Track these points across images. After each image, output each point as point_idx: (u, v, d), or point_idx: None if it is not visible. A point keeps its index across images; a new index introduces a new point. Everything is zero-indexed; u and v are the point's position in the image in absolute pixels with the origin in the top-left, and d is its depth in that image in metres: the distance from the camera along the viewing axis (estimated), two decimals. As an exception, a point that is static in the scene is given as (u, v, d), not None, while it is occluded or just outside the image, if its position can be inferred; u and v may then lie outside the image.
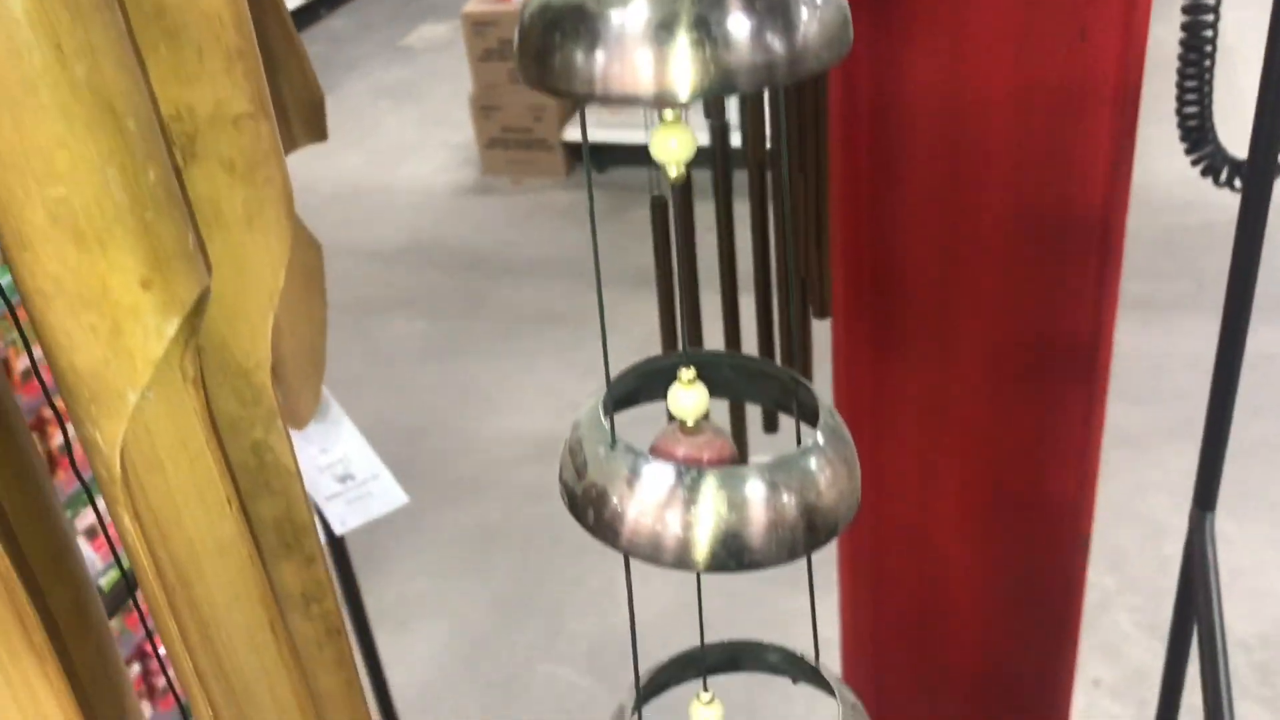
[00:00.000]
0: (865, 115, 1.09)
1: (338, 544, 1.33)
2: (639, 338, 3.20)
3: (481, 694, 2.35)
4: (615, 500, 0.37)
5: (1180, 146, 1.04)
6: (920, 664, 1.42)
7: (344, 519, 0.99)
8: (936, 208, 1.15)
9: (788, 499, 0.36)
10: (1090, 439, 1.19)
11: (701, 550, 0.36)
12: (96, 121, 0.30)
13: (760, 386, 0.42)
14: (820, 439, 0.37)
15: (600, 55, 0.31)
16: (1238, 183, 0.88)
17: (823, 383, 0.90)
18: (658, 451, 0.41)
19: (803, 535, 0.36)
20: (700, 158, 0.41)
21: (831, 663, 1.72)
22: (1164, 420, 2.76)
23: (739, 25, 0.30)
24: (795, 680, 0.52)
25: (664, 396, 0.41)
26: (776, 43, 0.31)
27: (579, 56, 0.31)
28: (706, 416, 0.41)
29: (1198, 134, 0.86)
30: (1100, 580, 2.43)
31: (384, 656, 2.39)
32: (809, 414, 0.39)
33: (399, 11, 5.85)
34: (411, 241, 3.86)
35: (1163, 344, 2.97)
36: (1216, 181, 0.89)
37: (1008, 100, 1.04)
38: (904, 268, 1.20)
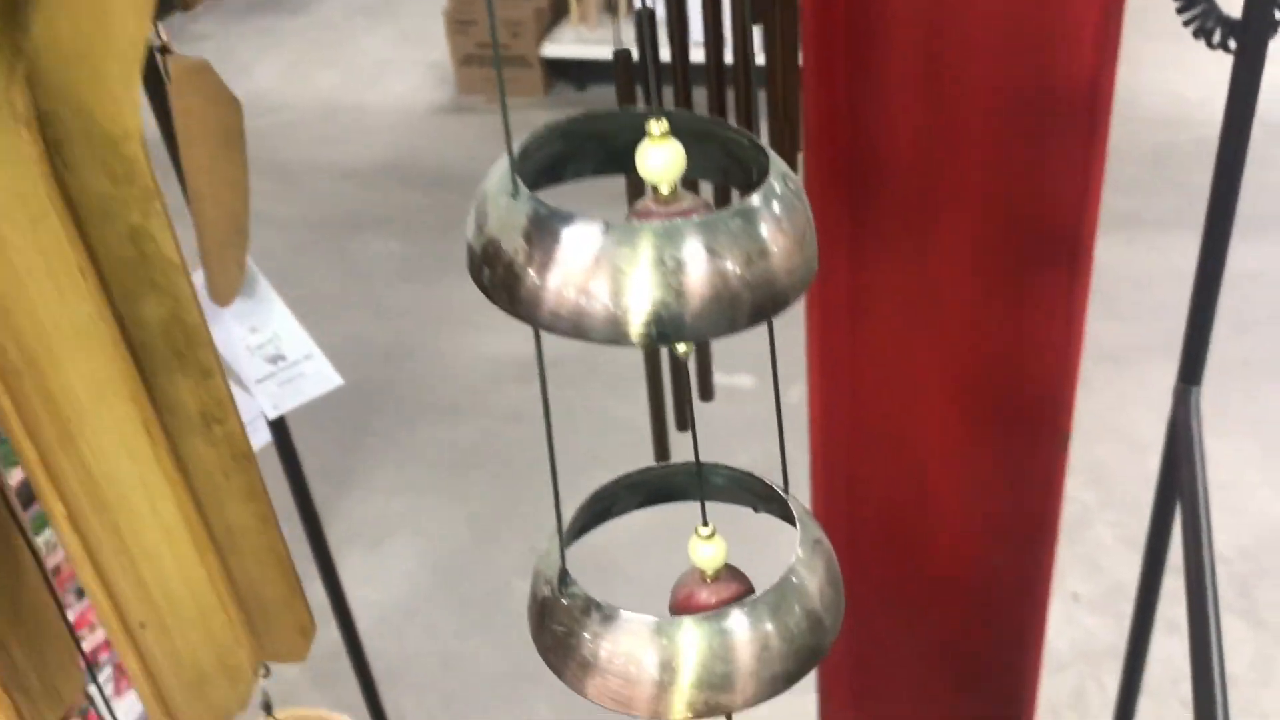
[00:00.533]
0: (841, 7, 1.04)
1: (292, 459, 1.28)
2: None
3: (458, 611, 2.33)
4: (533, 268, 0.32)
5: (1170, 63, 0.99)
6: (894, 568, 1.39)
7: (276, 402, 0.95)
8: (916, 89, 1.10)
9: (730, 265, 0.31)
10: (1073, 332, 1.15)
11: (636, 322, 0.31)
12: None
13: (704, 151, 0.37)
14: (761, 199, 0.33)
15: None
16: (1232, 44, 0.83)
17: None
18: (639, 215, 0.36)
19: (746, 303, 0.31)
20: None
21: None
22: (1148, 336, 2.73)
23: None
24: (756, 509, 0.48)
25: (601, 168, 0.35)
26: None
27: None
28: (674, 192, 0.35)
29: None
30: (1080, 495, 2.41)
31: (358, 574, 2.36)
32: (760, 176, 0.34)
33: (375, -71, 5.70)
34: (387, 161, 3.78)
35: (1148, 261, 2.94)
36: (1209, 43, 0.84)
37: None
38: (881, 154, 1.15)
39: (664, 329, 0.31)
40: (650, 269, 0.30)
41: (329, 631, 2.26)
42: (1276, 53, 3.55)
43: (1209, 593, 0.64)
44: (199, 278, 0.89)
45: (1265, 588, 2.19)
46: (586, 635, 0.37)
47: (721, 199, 0.73)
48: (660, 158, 0.33)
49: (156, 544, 0.39)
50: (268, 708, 1.26)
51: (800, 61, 1.04)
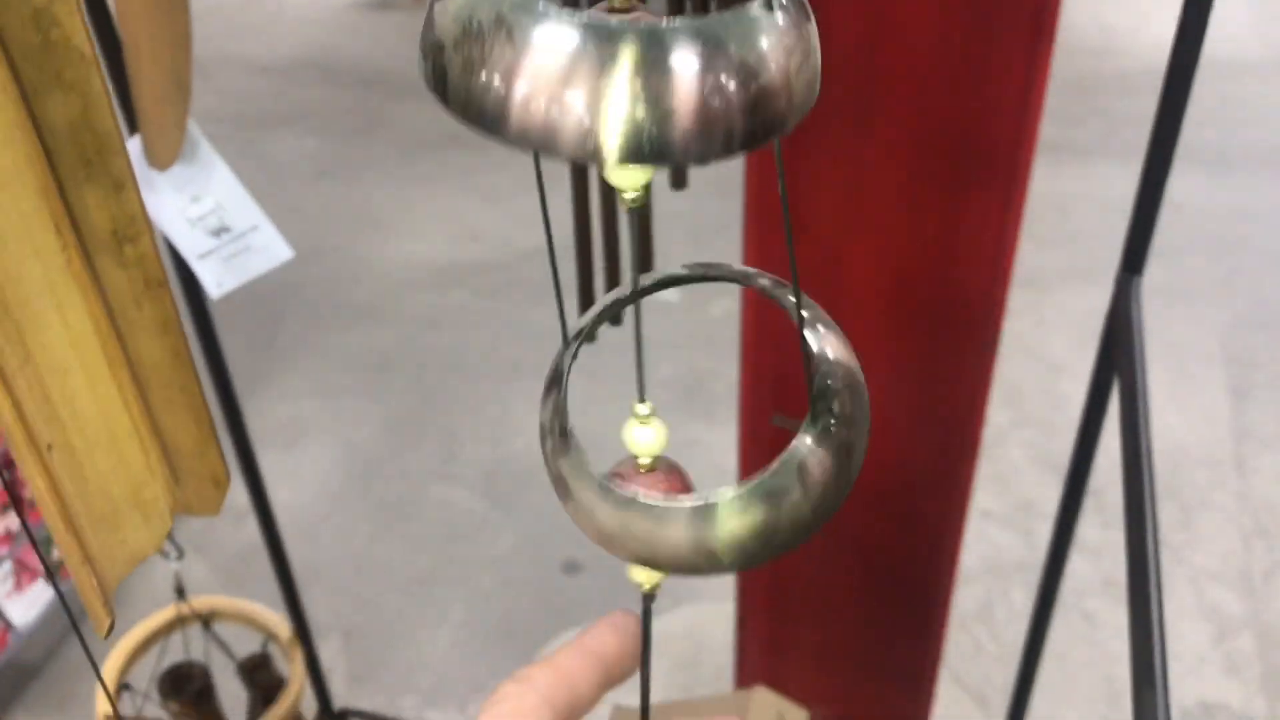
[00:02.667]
0: None
1: (214, 348, 1.23)
2: (544, 163, 3.09)
3: (371, 514, 2.29)
4: (498, 74, 0.28)
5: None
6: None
7: (220, 280, 0.88)
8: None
9: (726, 77, 0.27)
10: (1007, 234, 1.14)
11: (612, 137, 0.27)
12: None
13: None
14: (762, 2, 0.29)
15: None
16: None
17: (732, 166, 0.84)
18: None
19: (742, 123, 0.28)
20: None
21: (730, 457, 1.68)
22: (1068, 262, 2.76)
23: None
24: (773, 419, 0.45)
25: None
26: None
27: None
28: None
29: None
30: (995, 416, 2.45)
31: (271, 476, 2.31)
32: None
33: None
34: (304, 56, 3.65)
35: (1071, 187, 2.96)
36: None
37: None
38: (824, 60, 1.12)
39: (646, 147, 0.27)
40: (631, 78, 0.26)
41: (241, 531, 2.22)
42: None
43: (1145, 481, 0.64)
44: (135, 144, 0.82)
45: (1168, 507, 2.25)
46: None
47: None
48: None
49: (65, 357, 0.35)
50: (180, 593, 1.23)
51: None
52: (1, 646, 1.95)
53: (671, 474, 0.38)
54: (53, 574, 2.04)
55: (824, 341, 0.39)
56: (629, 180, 0.30)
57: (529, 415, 2.42)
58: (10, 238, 0.30)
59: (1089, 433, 0.91)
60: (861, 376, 0.38)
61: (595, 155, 0.27)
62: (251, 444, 1.36)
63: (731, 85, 0.27)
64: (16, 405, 0.33)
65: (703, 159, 0.28)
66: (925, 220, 1.17)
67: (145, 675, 1.25)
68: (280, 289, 2.75)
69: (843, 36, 1.08)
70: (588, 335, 0.40)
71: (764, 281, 0.40)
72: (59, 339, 0.33)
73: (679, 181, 1.10)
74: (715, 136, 0.28)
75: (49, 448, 0.34)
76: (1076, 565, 2.18)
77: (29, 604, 1.99)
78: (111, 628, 0.41)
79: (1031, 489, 2.31)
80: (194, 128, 0.86)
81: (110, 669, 1.22)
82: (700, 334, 2.60)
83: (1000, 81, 1.08)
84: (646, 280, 0.40)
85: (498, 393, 2.52)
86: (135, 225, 0.37)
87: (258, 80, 3.51)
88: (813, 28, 0.30)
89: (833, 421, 0.34)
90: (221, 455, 0.43)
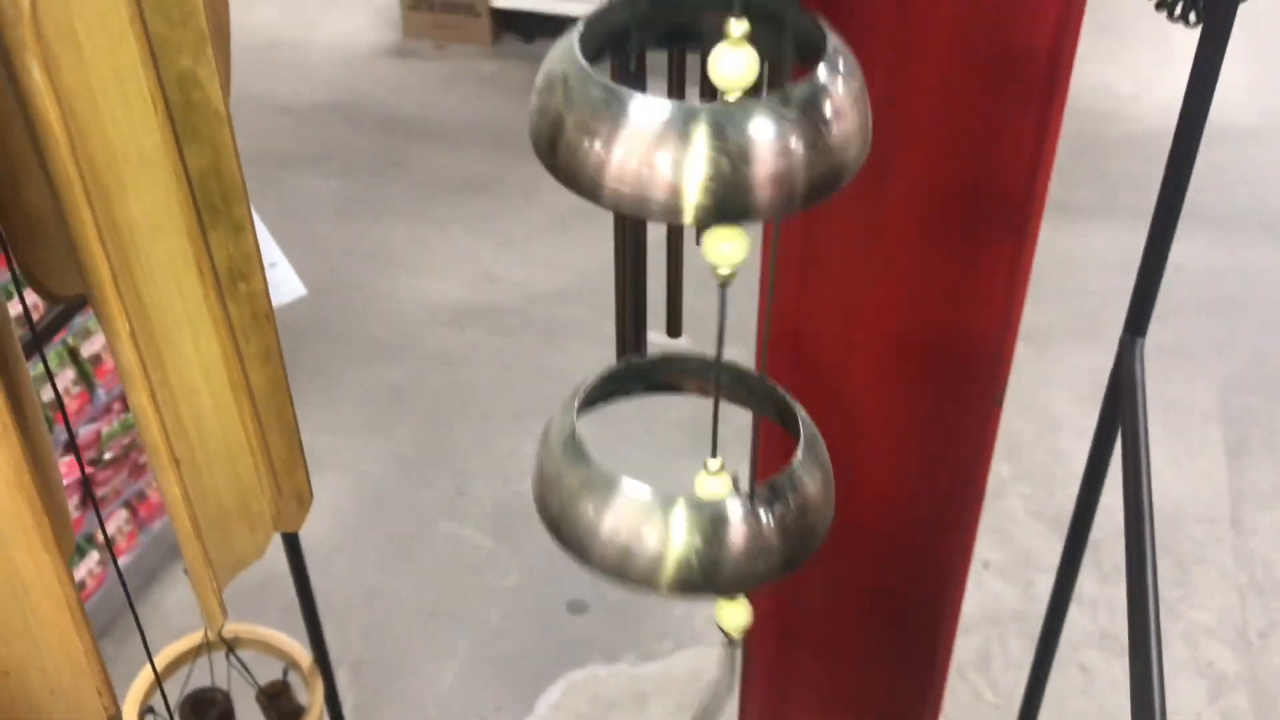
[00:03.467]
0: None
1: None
2: (559, 211, 3.16)
3: (381, 548, 2.33)
4: (599, 142, 0.32)
5: (1105, 58, 1.02)
6: (826, 516, 1.43)
7: None
8: (883, 37, 1.13)
9: (796, 144, 0.32)
10: (1015, 290, 1.19)
11: (691, 199, 0.31)
12: None
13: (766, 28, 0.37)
14: (825, 75, 0.33)
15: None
16: (1193, 18, 0.87)
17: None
18: None
19: (802, 189, 0.32)
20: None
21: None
22: (1070, 319, 2.82)
23: None
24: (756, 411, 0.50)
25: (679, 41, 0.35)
26: None
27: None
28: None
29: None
30: (996, 468, 2.49)
31: (283, 509, 2.35)
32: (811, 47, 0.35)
33: None
34: (328, 99, 3.73)
35: (1074, 246, 3.02)
36: (1170, 15, 0.88)
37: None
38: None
39: (723, 208, 0.31)
40: (708, 146, 0.31)
41: (266, 559, 2.26)
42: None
43: (1147, 536, 0.69)
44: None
45: (1165, 563, 2.28)
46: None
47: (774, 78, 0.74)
48: (735, 64, 0.33)
49: (196, 381, 0.39)
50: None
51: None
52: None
53: None
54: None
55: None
56: (724, 258, 0.34)
57: (539, 455, 2.46)
58: (159, 274, 0.35)
59: (1091, 487, 0.95)
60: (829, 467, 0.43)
61: (677, 216, 0.32)
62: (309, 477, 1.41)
63: (799, 151, 0.32)
64: (161, 425, 0.37)
65: (774, 214, 0.32)
66: (937, 274, 1.22)
67: (171, 698, 1.29)
68: (299, 325, 2.81)
69: (868, 84, 1.13)
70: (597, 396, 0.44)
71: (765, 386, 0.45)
72: (192, 365, 0.38)
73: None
74: (782, 196, 0.32)
75: (178, 462, 0.39)
76: (1074, 617, 2.21)
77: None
78: (223, 627, 0.45)
79: (1031, 541, 2.35)
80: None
81: (135, 693, 1.26)
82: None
83: (1012, 142, 1.13)
84: (648, 358, 0.45)
85: (508, 431, 2.56)
86: (250, 264, 0.41)
87: (283, 121, 3.59)
88: (863, 89, 0.35)
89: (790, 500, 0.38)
90: (307, 474, 0.48)
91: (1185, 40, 1.09)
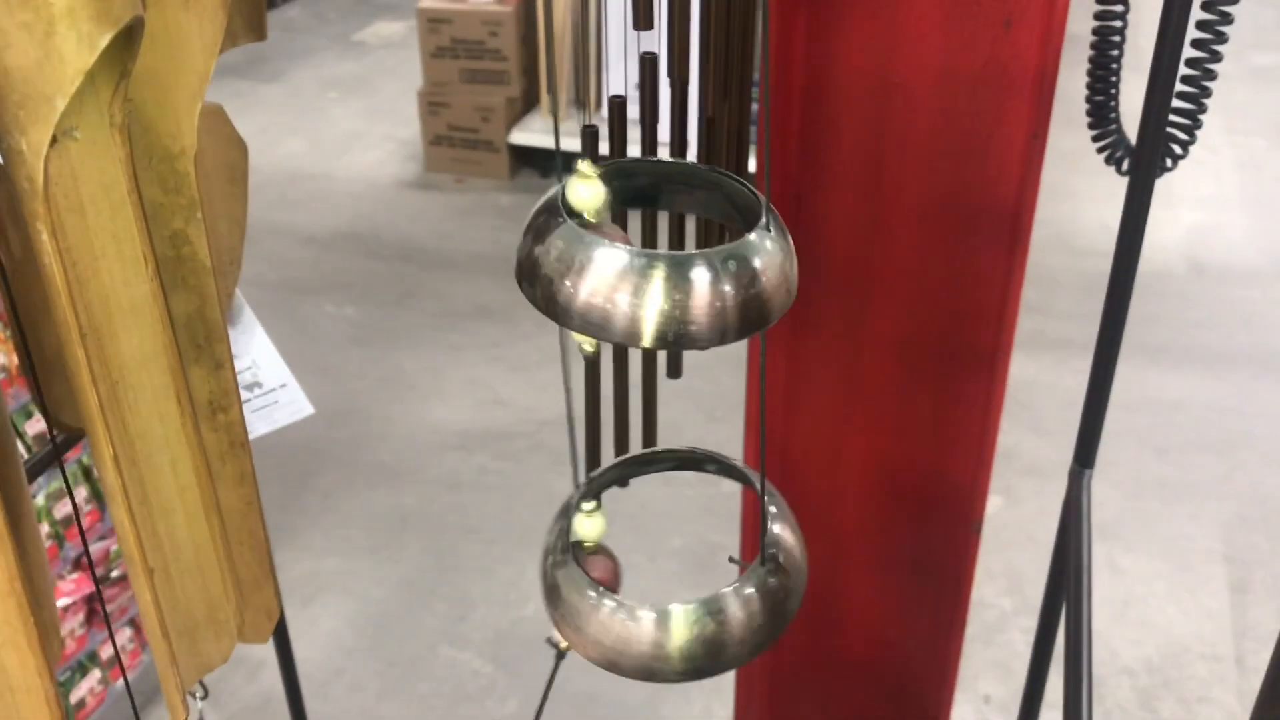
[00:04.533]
0: (797, 94, 1.13)
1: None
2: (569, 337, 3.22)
3: (382, 673, 2.34)
4: (569, 279, 0.39)
5: (1104, 199, 1.09)
6: (811, 648, 1.45)
7: (251, 427, 0.99)
8: (859, 190, 1.19)
9: (729, 287, 0.38)
10: (989, 424, 1.24)
11: (649, 328, 0.38)
12: None
13: (711, 197, 0.44)
14: (756, 237, 0.40)
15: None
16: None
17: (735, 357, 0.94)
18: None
19: (735, 320, 0.39)
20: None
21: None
22: (1071, 453, 2.84)
23: None
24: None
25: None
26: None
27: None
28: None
29: (1101, 115, 0.91)
30: (998, 601, 2.49)
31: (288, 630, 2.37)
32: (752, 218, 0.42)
33: (355, 7, 5.85)
34: (348, 229, 3.85)
35: (1077, 382, 3.05)
36: (1119, 169, 0.94)
37: (933, 86, 1.09)
38: (825, 248, 1.24)
39: (670, 336, 0.38)
40: (662, 288, 0.38)
41: (254, 683, 2.27)
42: (1198, 199, 3.76)
43: (1084, 658, 0.71)
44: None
45: (1168, 701, 2.26)
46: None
47: (719, 236, 0.81)
48: (585, 192, 0.41)
49: (171, 500, 0.44)
50: (199, 732, 1.29)
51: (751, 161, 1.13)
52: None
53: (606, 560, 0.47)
54: (69, 716, 2.08)
55: (778, 518, 0.48)
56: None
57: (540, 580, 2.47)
58: (144, 405, 0.40)
59: (1048, 622, 0.98)
60: (803, 547, 0.48)
61: (634, 340, 0.38)
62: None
63: (732, 294, 0.38)
64: (138, 537, 0.41)
65: (711, 344, 0.39)
66: (915, 409, 1.27)
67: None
68: (308, 447, 2.86)
69: (842, 242, 1.19)
70: (596, 489, 0.49)
71: (733, 464, 0.50)
72: (170, 485, 0.42)
73: (674, 371, 1.22)
74: (717, 329, 0.38)
75: (151, 570, 0.43)
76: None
77: None
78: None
79: (1033, 676, 2.33)
80: (239, 295, 0.98)
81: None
82: (710, 508, 2.68)
83: (983, 281, 1.19)
84: (633, 463, 0.50)
85: (511, 557, 2.58)
86: (228, 397, 0.46)
87: (303, 250, 3.71)
88: (790, 246, 0.41)
89: (775, 568, 0.43)
90: (277, 591, 0.52)
91: (1188, 181, 1.15)
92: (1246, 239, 3.74)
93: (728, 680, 1.58)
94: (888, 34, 1.08)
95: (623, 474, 0.49)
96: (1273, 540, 2.65)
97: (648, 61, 0.84)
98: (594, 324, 0.39)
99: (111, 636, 0.61)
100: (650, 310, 0.38)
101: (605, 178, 0.45)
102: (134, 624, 2.14)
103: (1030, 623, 2.45)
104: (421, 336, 3.34)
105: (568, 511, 0.44)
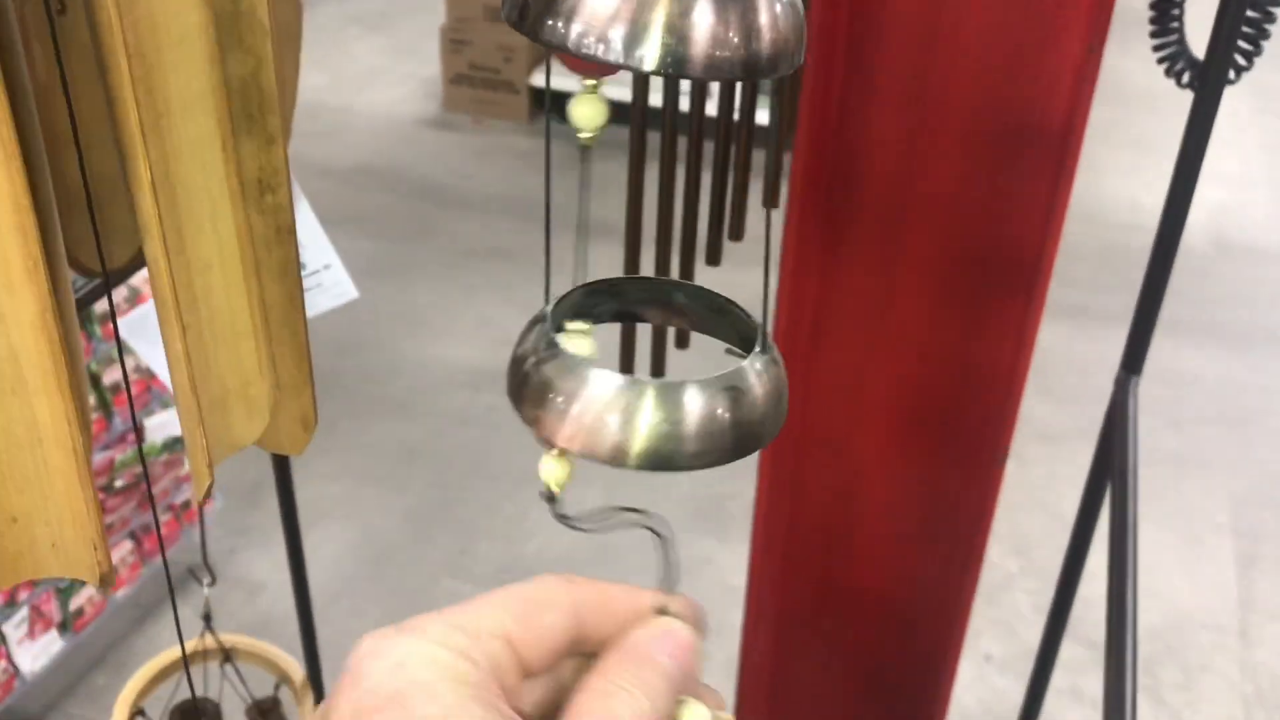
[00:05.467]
0: (845, 8, 1.10)
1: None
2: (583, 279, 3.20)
3: (382, 601, 2.33)
4: (560, 397, 0.39)
5: (1130, 172, 1.06)
6: (824, 576, 1.43)
7: None
8: (903, 109, 1.16)
9: (720, 412, 0.38)
10: (1021, 355, 1.21)
11: (635, 452, 0.38)
12: None
13: (717, 321, 0.44)
14: (749, 365, 0.40)
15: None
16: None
17: (753, 280, 0.91)
18: None
19: (729, 444, 0.38)
20: None
21: (739, 577, 1.72)
22: (1084, 420, 2.81)
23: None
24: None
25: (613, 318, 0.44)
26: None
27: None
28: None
29: (1164, 21, 0.88)
30: (1004, 562, 2.48)
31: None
32: (748, 342, 0.42)
33: (380, -54, 5.79)
34: (365, 164, 3.82)
35: (1092, 350, 3.03)
36: (1179, 82, 0.91)
37: (983, 8, 1.06)
38: (863, 167, 1.21)
39: (660, 460, 0.38)
40: (652, 412, 0.38)
41: (252, 605, 2.26)
42: (1223, 176, 3.73)
43: (1129, 570, 0.69)
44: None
45: (1170, 668, 2.25)
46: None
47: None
48: (587, 109, 0.40)
49: (209, 256, 0.41)
50: (208, 619, 1.27)
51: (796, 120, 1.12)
52: (6, 692, 1.98)
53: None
54: (68, 624, 2.07)
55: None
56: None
57: (543, 518, 2.46)
58: (186, 149, 0.38)
59: (1081, 538, 0.96)
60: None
61: (623, 463, 0.38)
62: (295, 502, 1.43)
63: (726, 418, 0.38)
64: (171, 279, 0.39)
65: (702, 467, 0.39)
66: (945, 334, 1.24)
67: (159, 707, 1.29)
68: (320, 376, 2.84)
69: (883, 159, 1.17)
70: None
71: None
72: (209, 239, 0.40)
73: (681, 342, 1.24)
74: (710, 452, 0.38)
75: (184, 329, 0.41)
76: (1083, 715, 2.18)
77: (38, 653, 2.03)
78: (209, 491, 0.47)
79: (1035, 636, 2.31)
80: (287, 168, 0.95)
81: (126, 696, 1.26)
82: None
83: (1024, 212, 1.16)
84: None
85: (515, 494, 2.57)
86: (278, 177, 0.44)
87: (320, 182, 3.68)
88: (783, 376, 0.41)
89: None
90: (314, 398, 0.50)
91: (1213, 158, 1.12)
92: (1270, 219, 3.70)
93: (736, 609, 1.56)
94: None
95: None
96: (1283, 516, 2.63)
97: None
98: (580, 442, 0.40)
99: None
100: (640, 431, 0.39)
101: (596, 294, 0.47)
102: (134, 537, 2.12)
103: (1035, 584, 2.44)
104: (435, 274, 3.32)
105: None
